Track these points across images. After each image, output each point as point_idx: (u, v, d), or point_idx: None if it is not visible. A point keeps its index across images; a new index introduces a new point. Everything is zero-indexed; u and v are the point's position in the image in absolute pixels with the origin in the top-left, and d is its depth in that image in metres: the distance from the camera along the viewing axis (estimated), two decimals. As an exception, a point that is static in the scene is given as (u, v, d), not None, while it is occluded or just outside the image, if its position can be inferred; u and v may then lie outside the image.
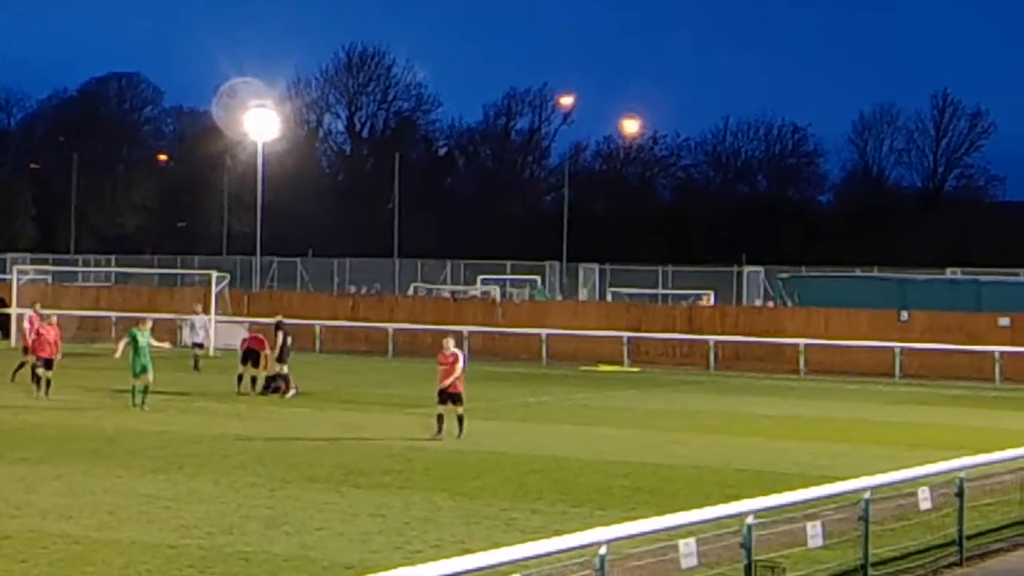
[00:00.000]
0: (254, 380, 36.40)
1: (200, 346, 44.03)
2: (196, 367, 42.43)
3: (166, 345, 35.76)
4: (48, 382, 33.69)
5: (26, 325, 39.03)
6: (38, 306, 40.98)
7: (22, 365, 36.69)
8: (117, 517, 18.37)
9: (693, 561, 12.90)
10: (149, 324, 33.48)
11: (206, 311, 48.89)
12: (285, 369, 36.33)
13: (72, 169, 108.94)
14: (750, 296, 68.51)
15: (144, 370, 31.83)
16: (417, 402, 32.75)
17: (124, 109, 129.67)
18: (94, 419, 29.93)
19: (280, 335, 36.70)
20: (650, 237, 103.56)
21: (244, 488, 20.88)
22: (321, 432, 28.61)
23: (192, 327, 45.32)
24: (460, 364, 27.44)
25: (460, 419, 27.25)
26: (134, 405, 31.51)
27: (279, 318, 38.65)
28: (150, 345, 32.43)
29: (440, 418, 27.21)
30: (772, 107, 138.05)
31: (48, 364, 33.87)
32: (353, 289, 69.47)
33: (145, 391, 31.80)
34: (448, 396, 27.32)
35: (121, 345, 33.11)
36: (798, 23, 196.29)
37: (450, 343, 27.93)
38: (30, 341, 36.61)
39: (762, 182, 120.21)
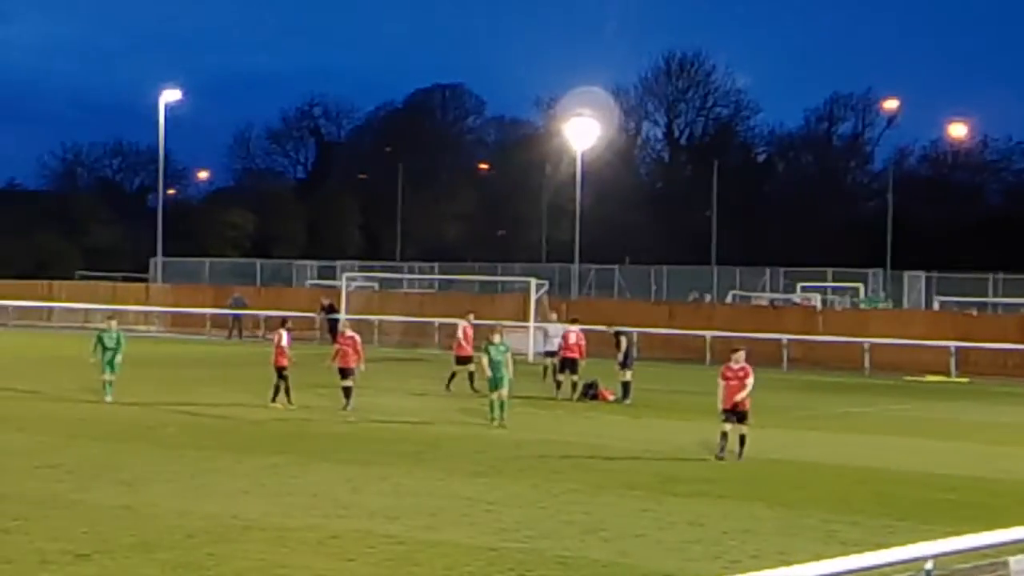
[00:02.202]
0: (574, 386, 36.87)
1: (553, 354, 39.54)
2: (550, 377, 39.58)
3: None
4: (349, 391, 32.27)
5: (460, 334, 38.37)
6: (471, 316, 39.74)
7: (454, 375, 37.71)
8: (439, 519, 18.69)
9: (1026, 580, 12.34)
10: (502, 334, 31.81)
11: (526, 318, 49.45)
12: (627, 376, 36.62)
13: (397, 179, 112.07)
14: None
15: (498, 383, 30.26)
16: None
17: (448, 120, 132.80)
18: (417, 424, 30.55)
19: (624, 341, 37.26)
20: (979, 243, 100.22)
21: (562, 493, 21.02)
22: (637, 439, 28.59)
23: (546, 335, 42.64)
24: (751, 380, 25.61)
25: (743, 439, 25.45)
26: (491, 420, 30.12)
27: (615, 328, 38.87)
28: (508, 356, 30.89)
29: (724, 436, 25.49)
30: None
31: (347, 374, 32.43)
32: (708, 296, 69.21)
33: (502, 407, 30.21)
34: (735, 413, 25.50)
35: (484, 361, 31.32)
36: None
37: (741, 356, 25.85)
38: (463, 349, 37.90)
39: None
